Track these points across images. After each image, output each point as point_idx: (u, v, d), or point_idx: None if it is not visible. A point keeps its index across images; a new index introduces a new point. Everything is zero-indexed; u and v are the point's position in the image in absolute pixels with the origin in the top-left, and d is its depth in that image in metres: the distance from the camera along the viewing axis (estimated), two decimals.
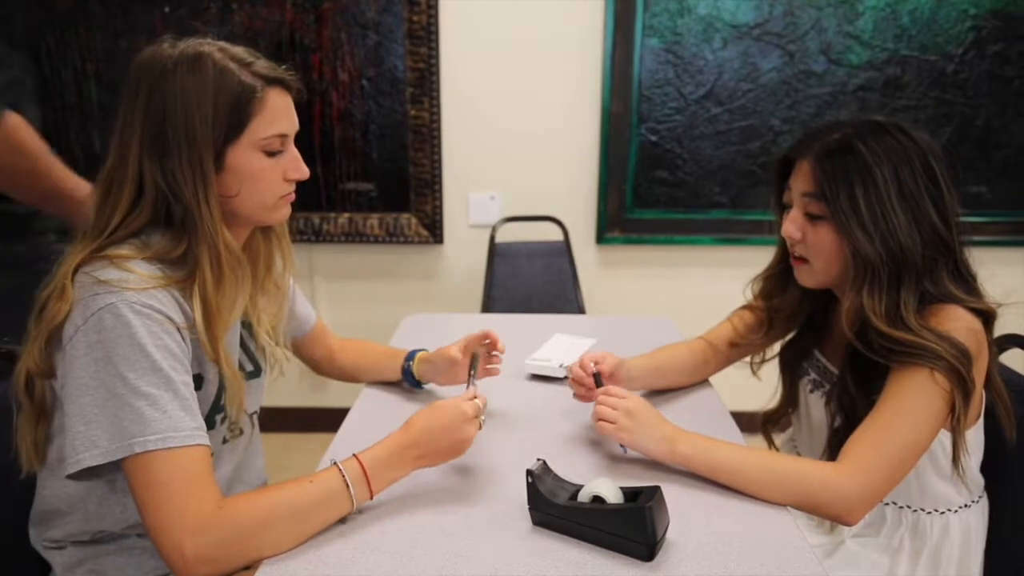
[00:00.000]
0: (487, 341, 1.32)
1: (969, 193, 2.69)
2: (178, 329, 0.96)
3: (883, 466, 1.04)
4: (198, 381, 1.03)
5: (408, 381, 1.42)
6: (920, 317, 1.10)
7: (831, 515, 1.06)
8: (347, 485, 0.96)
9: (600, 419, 1.13)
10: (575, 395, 1.31)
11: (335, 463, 0.98)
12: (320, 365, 1.48)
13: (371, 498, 0.99)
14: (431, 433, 1.02)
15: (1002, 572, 1.22)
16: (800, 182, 1.17)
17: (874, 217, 1.09)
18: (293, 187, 1.10)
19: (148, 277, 0.95)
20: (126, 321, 0.90)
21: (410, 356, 1.42)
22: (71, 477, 0.90)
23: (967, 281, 1.14)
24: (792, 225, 1.18)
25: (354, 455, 0.99)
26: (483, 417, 1.06)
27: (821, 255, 1.17)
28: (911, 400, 1.06)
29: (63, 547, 1.07)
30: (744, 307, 1.42)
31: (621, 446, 1.15)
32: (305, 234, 2.76)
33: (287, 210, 1.11)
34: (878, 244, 1.09)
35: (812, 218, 1.16)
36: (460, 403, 1.04)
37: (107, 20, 2.53)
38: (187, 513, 0.88)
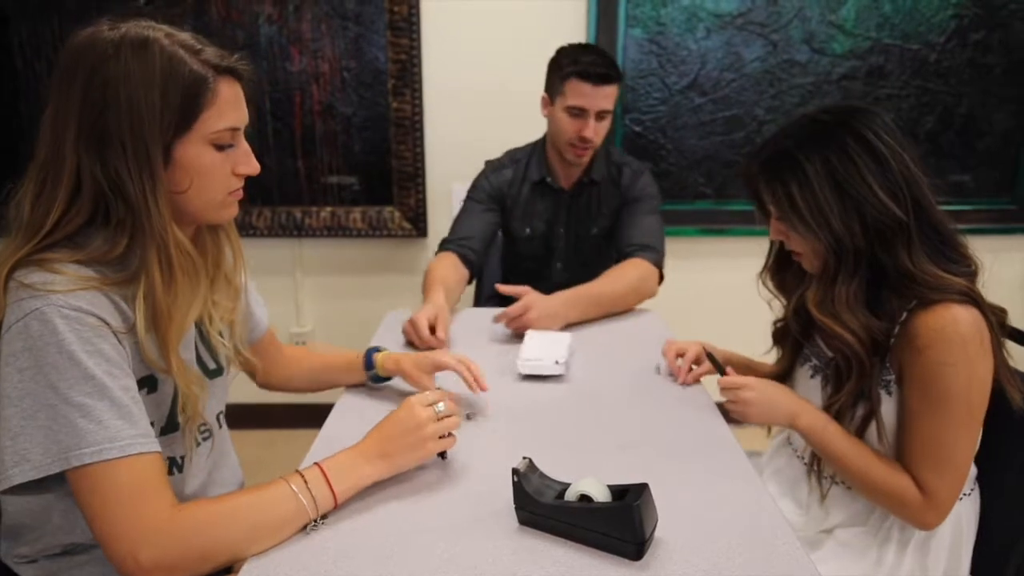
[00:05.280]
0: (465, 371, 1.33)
1: (952, 182, 2.70)
2: (113, 332, 0.90)
3: (955, 493, 1.14)
4: (151, 383, 0.99)
5: (372, 378, 1.41)
6: (909, 322, 1.12)
7: (902, 519, 1.19)
8: (306, 486, 0.94)
9: (731, 410, 1.26)
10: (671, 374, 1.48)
11: (297, 470, 0.97)
12: (266, 374, 1.40)
13: (335, 501, 0.97)
14: (386, 429, 1.04)
15: (990, 563, 1.22)
16: (763, 193, 1.24)
17: (811, 211, 1.15)
18: (242, 182, 1.03)
19: (77, 278, 0.89)
20: (53, 327, 0.84)
21: (369, 355, 1.40)
22: (7, 493, 0.85)
23: (940, 250, 1.14)
24: (773, 231, 1.27)
25: (316, 463, 0.98)
26: (442, 410, 1.07)
27: (801, 252, 1.24)
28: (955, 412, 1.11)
29: (34, 561, 1.04)
30: (775, 341, 1.44)
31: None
32: (287, 229, 2.73)
33: (235, 208, 1.05)
34: (821, 236, 1.16)
35: (781, 221, 1.23)
36: (412, 399, 1.07)
37: (81, 12, 2.48)
38: (140, 519, 0.85)
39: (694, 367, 1.45)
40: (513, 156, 2.15)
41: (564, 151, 1.99)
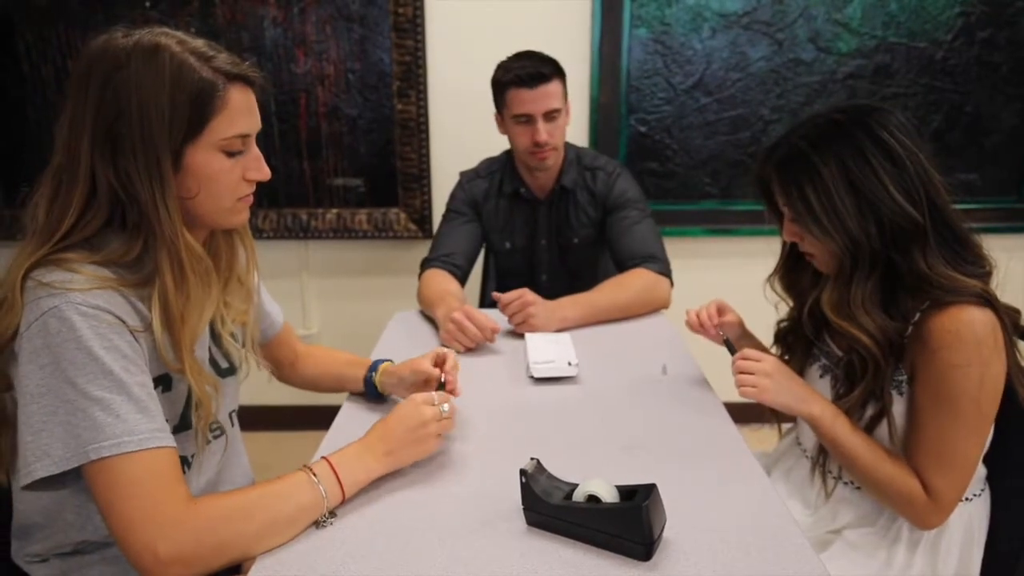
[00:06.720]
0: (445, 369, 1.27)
1: (959, 180, 2.69)
2: (130, 331, 0.91)
3: (958, 495, 1.14)
4: (166, 382, 1.00)
5: (370, 393, 1.37)
6: (922, 322, 1.11)
7: (905, 518, 1.19)
8: (315, 480, 0.96)
9: (742, 384, 1.22)
10: (687, 323, 1.51)
11: (305, 464, 0.99)
12: (282, 369, 1.43)
13: (343, 495, 0.99)
14: (391, 425, 1.07)
15: (999, 563, 1.22)
16: (777, 195, 1.23)
17: (827, 213, 1.14)
18: (253, 188, 1.04)
19: (95, 277, 0.90)
20: (71, 324, 0.86)
21: (373, 367, 1.38)
22: (28, 488, 0.86)
23: (955, 251, 1.14)
24: (786, 233, 1.26)
25: (323, 456, 1.01)
26: (446, 411, 1.10)
27: (815, 253, 1.22)
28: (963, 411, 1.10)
29: (46, 560, 1.05)
30: (776, 340, 1.43)
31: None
32: (293, 231, 2.73)
33: (246, 213, 1.06)
34: (836, 238, 1.15)
35: (795, 223, 1.22)
36: (415, 396, 1.10)
37: (87, 16, 2.49)
38: (157, 512, 0.85)
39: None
40: (489, 167, 2.13)
41: (527, 160, 1.98)
